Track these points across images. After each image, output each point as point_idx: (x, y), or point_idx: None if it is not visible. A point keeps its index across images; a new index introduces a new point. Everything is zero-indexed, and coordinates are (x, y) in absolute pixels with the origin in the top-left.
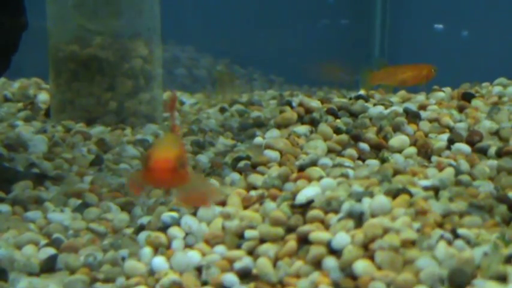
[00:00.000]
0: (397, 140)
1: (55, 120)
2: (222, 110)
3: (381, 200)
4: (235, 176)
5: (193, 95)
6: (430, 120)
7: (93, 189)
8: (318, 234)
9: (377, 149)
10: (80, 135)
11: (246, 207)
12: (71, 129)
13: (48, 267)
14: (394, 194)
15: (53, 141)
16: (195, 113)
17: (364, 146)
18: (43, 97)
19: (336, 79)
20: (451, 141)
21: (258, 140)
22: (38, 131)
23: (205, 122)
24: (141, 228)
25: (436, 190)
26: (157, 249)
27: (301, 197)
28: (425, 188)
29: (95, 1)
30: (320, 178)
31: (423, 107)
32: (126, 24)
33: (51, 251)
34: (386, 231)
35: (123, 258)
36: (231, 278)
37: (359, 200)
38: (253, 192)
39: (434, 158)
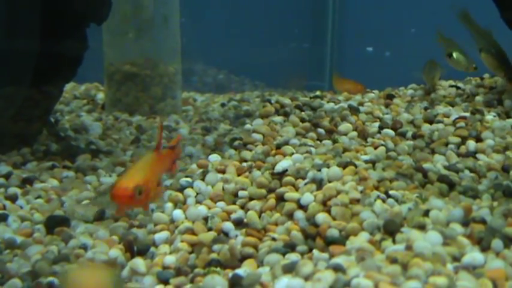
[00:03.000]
0: (344, 126)
1: (108, 112)
2: (222, 105)
3: (335, 170)
4: (232, 151)
5: (203, 95)
6: (366, 113)
7: (132, 161)
8: (290, 194)
9: (330, 132)
10: (124, 122)
11: (239, 174)
12: (118, 118)
13: (99, 216)
14: (344, 166)
15: (106, 126)
16: (204, 107)
17: (321, 130)
18: (100, 96)
19: (299, 85)
20: (381, 128)
21: (248, 126)
22: (96, 119)
23: (211, 113)
24: (165, 188)
25: (373, 163)
26: (176, 204)
27: (279, 167)
28: (366, 161)
29: (136, 33)
30: (292, 154)
31: (361, 104)
32: (157, 48)
33: None
34: (339, 192)
35: (152, 210)
36: (228, 225)
37: (319, 170)
38: (244, 164)
39: (369, 139)
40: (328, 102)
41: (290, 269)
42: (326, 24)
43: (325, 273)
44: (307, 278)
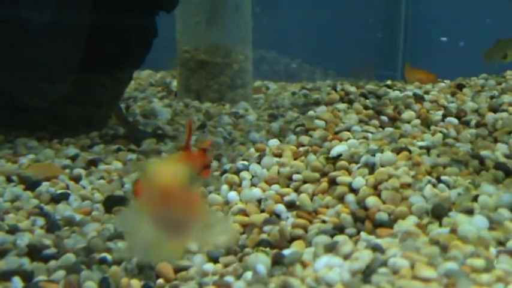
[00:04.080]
0: (407, 114)
1: (179, 99)
2: (293, 94)
3: (388, 154)
4: (293, 136)
5: (276, 83)
6: (431, 101)
7: (196, 145)
8: (342, 178)
9: (393, 120)
10: (193, 108)
11: (295, 159)
12: (188, 105)
13: None
14: (398, 151)
15: (175, 112)
16: (275, 95)
17: (384, 118)
18: (175, 83)
19: (370, 74)
20: (444, 116)
21: (311, 113)
22: (166, 106)
23: (280, 101)
24: (224, 172)
25: (428, 149)
26: (232, 186)
27: (334, 152)
28: (421, 147)
29: (207, 21)
30: (348, 139)
31: (427, 92)
32: (228, 36)
33: None
34: (390, 176)
35: (210, 192)
36: (280, 207)
37: (373, 155)
38: (301, 148)
39: (432, 127)
40: (394, 90)
41: (331, 248)
42: (399, 14)
43: (363, 253)
44: (346, 257)
